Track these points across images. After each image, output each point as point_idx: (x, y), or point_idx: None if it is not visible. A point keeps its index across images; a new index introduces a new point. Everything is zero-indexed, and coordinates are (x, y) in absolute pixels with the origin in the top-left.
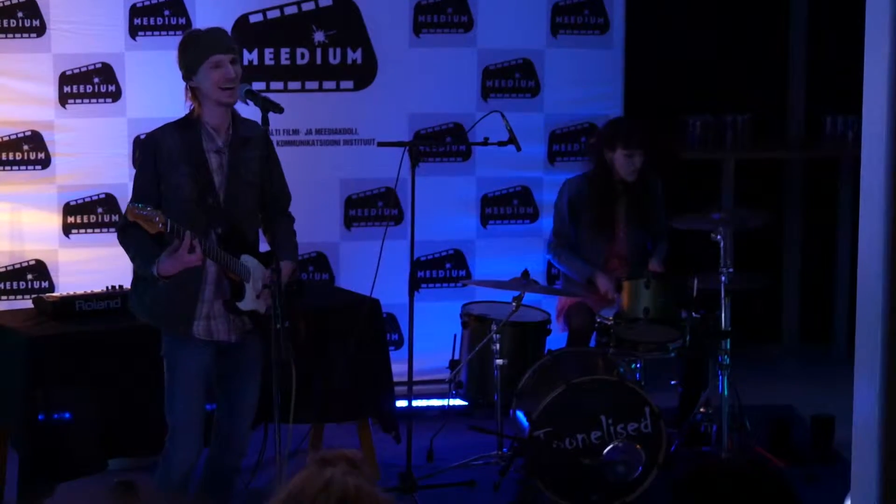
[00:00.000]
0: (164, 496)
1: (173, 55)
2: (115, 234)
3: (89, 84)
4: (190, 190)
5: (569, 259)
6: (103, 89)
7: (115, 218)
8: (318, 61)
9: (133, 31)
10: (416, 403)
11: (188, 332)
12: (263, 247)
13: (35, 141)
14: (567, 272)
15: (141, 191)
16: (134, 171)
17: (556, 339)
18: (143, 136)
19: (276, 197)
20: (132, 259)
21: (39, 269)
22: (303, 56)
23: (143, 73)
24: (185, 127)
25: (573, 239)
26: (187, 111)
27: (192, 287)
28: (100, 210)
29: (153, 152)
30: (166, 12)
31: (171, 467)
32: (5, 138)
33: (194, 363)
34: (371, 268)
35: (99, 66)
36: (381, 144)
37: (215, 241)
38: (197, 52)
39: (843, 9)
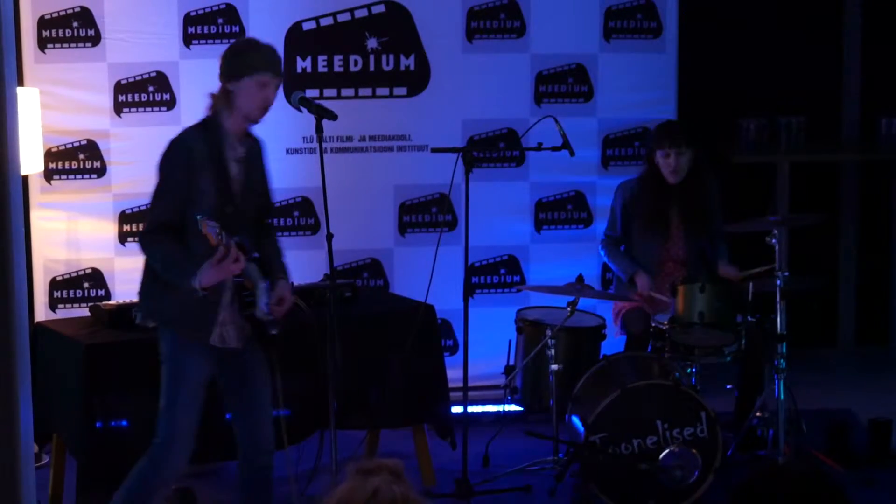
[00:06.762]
0: None
1: None
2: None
3: (144, 93)
4: (214, 197)
5: (617, 256)
6: (158, 98)
7: None
8: (372, 68)
9: (187, 40)
10: (471, 409)
11: (206, 339)
12: None
13: (91, 150)
14: (615, 269)
15: (177, 199)
16: (169, 175)
17: (612, 343)
18: (171, 141)
19: (268, 208)
20: (162, 270)
21: (96, 278)
22: (356, 63)
23: (197, 81)
24: (209, 131)
25: (629, 244)
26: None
27: (215, 294)
28: None
29: (188, 156)
30: (220, 20)
31: (156, 477)
32: (61, 147)
33: (203, 371)
34: (425, 274)
35: (154, 74)
36: (434, 150)
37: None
38: (251, 61)
39: None
